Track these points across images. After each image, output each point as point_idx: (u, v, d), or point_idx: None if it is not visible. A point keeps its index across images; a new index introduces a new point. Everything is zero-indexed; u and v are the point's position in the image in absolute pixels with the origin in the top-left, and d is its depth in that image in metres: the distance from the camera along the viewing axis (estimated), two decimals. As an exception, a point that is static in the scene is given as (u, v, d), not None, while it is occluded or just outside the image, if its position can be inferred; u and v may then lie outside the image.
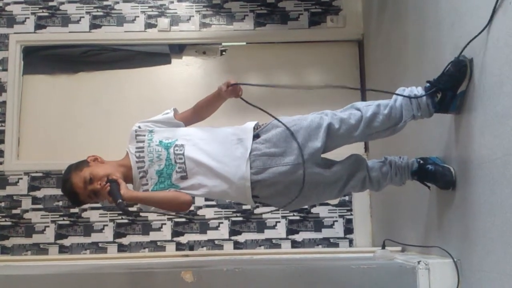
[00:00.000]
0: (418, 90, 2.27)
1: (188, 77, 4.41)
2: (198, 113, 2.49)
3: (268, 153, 2.27)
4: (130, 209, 4.02)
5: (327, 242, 4.13)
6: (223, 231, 4.14)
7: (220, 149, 2.31)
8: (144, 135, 2.35)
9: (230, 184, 2.28)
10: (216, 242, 4.13)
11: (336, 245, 4.11)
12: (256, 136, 2.33)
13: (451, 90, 2.18)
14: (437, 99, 2.22)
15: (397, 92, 2.32)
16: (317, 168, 2.29)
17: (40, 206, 4.14)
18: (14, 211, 4.13)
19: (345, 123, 2.29)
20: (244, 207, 4.12)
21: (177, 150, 2.31)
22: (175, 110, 2.48)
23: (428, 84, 2.25)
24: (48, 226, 4.12)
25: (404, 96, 2.27)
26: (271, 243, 4.12)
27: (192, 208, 4.04)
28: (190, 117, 2.48)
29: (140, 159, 2.32)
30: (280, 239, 4.13)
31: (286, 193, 2.31)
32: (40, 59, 4.39)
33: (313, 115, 2.34)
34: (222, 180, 2.29)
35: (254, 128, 2.37)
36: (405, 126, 2.31)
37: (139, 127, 2.39)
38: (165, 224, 4.14)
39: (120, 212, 4.10)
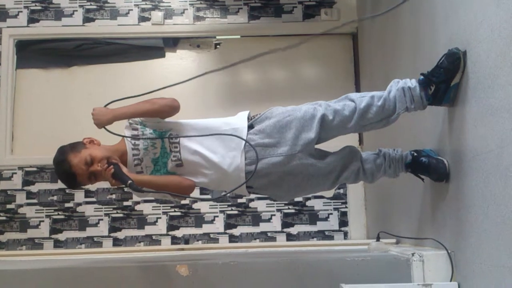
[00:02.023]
0: (412, 83, 2.28)
1: (182, 71, 4.40)
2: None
3: (262, 144, 2.27)
4: (126, 203, 4.10)
5: (322, 235, 4.14)
6: (219, 225, 4.14)
7: (215, 139, 2.31)
8: (137, 125, 2.33)
9: (225, 174, 2.29)
10: (212, 235, 4.13)
11: (331, 237, 4.12)
12: (250, 127, 2.33)
13: (444, 82, 2.18)
14: (431, 91, 2.22)
15: (391, 84, 2.33)
16: (311, 159, 2.30)
17: (35, 201, 4.13)
18: (8, 206, 4.12)
19: (339, 115, 2.29)
20: (239, 200, 4.13)
21: (172, 139, 2.31)
22: None
23: (421, 77, 2.26)
24: (43, 221, 4.11)
25: (398, 88, 2.28)
26: (266, 236, 4.13)
27: (187, 201, 4.05)
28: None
29: (135, 146, 2.31)
30: (275, 232, 4.14)
31: (280, 183, 2.32)
32: (34, 53, 4.37)
33: (307, 105, 2.34)
34: (216, 170, 2.29)
35: (248, 118, 2.37)
36: (399, 118, 2.32)
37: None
38: (160, 218, 4.14)
39: (115, 206, 4.12)
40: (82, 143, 2.31)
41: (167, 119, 2.37)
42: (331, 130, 2.33)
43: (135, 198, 4.02)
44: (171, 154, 2.30)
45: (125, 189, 2.23)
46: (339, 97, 2.39)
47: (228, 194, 2.31)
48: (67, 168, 2.23)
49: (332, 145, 2.44)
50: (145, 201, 4.08)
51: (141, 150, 2.31)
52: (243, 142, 2.28)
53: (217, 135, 2.31)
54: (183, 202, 4.04)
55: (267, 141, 2.28)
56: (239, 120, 2.36)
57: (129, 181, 2.12)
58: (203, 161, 2.29)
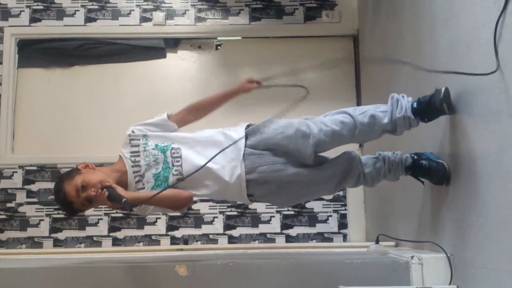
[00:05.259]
0: (410, 112, 2.31)
1: (183, 72, 4.40)
2: (197, 113, 2.49)
3: (257, 152, 2.30)
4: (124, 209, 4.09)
5: (321, 237, 4.13)
6: (218, 226, 4.14)
7: (216, 151, 2.31)
8: (139, 139, 2.34)
9: (226, 184, 2.30)
10: (211, 236, 4.13)
11: (330, 239, 4.12)
12: (246, 138, 2.35)
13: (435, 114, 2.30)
14: (427, 120, 2.34)
15: (391, 103, 2.37)
16: (308, 168, 2.32)
17: (35, 200, 4.13)
18: (8, 205, 4.12)
19: (336, 135, 2.33)
20: (239, 202, 4.12)
21: (174, 153, 2.32)
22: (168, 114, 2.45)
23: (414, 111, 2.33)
24: (43, 220, 4.11)
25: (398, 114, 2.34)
26: (265, 238, 4.13)
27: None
28: (186, 117, 2.47)
29: (135, 163, 2.31)
30: (275, 233, 4.14)
31: (279, 191, 2.33)
32: (35, 53, 4.37)
33: (299, 121, 2.35)
34: (218, 181, 2.30)
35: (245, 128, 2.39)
36: None
37: (133, 131, 2.35)
38: (159, 218, 4.13)
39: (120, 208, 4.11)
40: (77, 169, 2.29)
41: (170, 133, 2.38)
42: (327, 147, 2.37)
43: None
44: (173, 168, 2.30)
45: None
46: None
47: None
48: (62, 197, 2.23)
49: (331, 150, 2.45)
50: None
51: (142, 166, 2.31)
52: (242, 152, 2.30)
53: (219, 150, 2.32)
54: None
55: (261, 151, 2.32)
56: (238, 133, 2.37)
57: (124, 199, 2.11)
58: (205, 173, 2.28)
